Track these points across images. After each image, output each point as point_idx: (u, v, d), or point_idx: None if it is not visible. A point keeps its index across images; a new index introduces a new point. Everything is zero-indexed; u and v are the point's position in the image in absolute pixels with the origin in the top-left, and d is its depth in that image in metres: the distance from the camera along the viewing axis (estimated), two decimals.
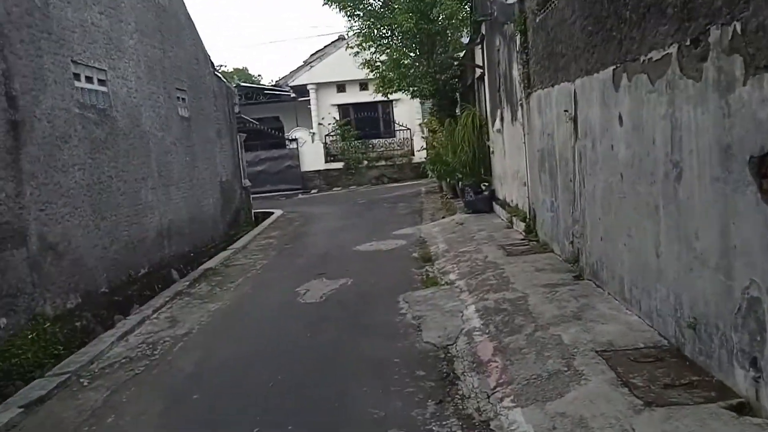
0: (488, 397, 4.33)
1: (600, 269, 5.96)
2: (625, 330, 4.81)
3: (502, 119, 11.08)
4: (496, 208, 12.02)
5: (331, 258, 10.35)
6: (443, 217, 13.27)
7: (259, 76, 48.76)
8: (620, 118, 4.99)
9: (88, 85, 8.62)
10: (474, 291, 6.85)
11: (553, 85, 7.17)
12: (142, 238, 9.93)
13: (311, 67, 26.28)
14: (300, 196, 24.56)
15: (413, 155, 25.53)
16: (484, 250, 8.70)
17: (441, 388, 4.66)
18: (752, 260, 3.29)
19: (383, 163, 25.69)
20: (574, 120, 6.35)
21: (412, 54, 16.39)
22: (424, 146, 21.46)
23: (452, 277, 7.76)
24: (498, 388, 4.38)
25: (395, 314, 6.59)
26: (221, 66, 43.12)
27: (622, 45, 4.81)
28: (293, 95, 26.71)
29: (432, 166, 18.17)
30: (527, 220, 9.23)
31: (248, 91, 27.09)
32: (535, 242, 8.63)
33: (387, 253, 10.35)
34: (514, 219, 10.06)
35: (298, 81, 26.42)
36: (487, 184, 12.75)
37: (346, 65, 25.10)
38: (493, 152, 12.55)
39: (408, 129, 26.02)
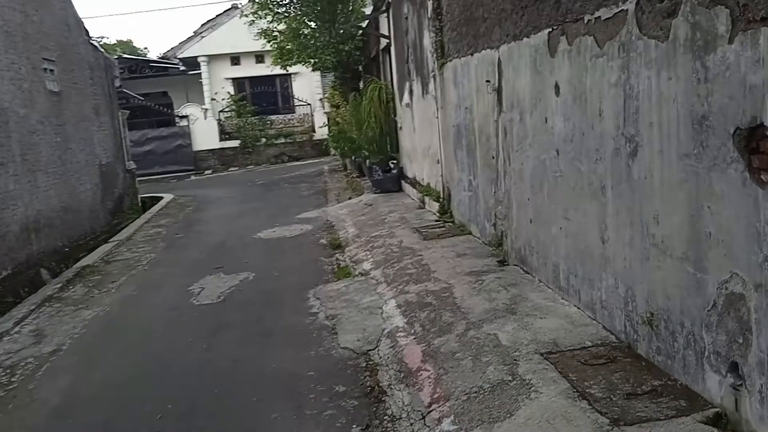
0: (423, 417, 3.68)
1: (529, 254, 5.47)
2: (567, 325, 4.32)
3: (411, 93, 10.44)
4: (406, 187, 11.44)
5: (229, 248, 9.33)
6: (350, 198, 12.53)
7: (145, 49, 45.34)
8: (557, 87, 4.43)
9: None
10: (392, 282, 6.19)
11: (471, 54, 6.57)
12: (2, 234, 8.43)
13: (202, 37, 24.39)
14: (193, 177, 22.93)
15: (314, 132, 24.53)
16: (398, 234, 8.06)
17: (366, 408, 3.95)
18: (734, 250, 2.80)
19: (283, 140, 24.49)
20: (498, 91, 5.77)
21: (312, 24, 15.34)
22: (326, 122, 20.55)
23: (366, 266, 7.06)
24: (434, 406, 3.74)
25: (305, 314, 5.79)
26: (102, 38, 39.42)
27: (560, 4, 4.22)
28: (182, 68, 24.78)
29: (335, 144, 17.38)
30: (441, 200, 8.69)
31: (131, 64, 24.84)
32: (451, 224, 8.10)
33: (292, 240, 9.48)
34: (426, 199, 9.50)
35: (188, 53, 24.47)
36: (395, 161, 12.13)
37: (241, 36, 23.53)
38: (401, 128, 11.92)
39: (308, 104, 24.93)
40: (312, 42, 15.26)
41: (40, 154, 10.06)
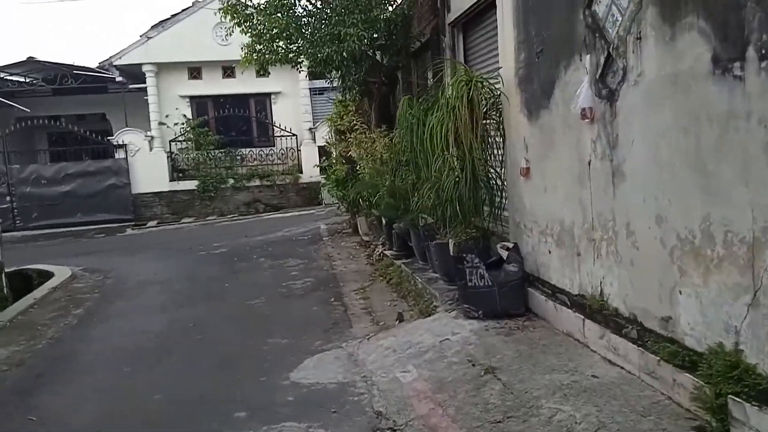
0: None
1: None
2: None
3: (600, 82, 3.93)
4: (562, 313, 4.81)
5: None
6: (399, 319, 5.87)
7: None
8: None
9: None
10: None
11: None
12: None
13: (148, 38, 17.80)
14: (129, 231, 16.17)
15: (301, 173, 18.03)
16: None
17: None
18: None
19: (257, 182, 17.88)
20: None
21: None
22: (324, 159, 14.06)
23: None
24: None
25: None
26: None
27: None
28: (119, 79, 18.08)
29: (341, 192, 10.98)
30: None
31: (49, 73, 18.04)
32: None
33: None
34: (698, 390, 2.86)
35: (126, 59, 17.79)
36: (508, 247, 5.50)
37: (204, 40, 17.17)
38: (526, 171, 5.34)
39: (294, 135, 18.39)
40: (312, 20, 8.77)
41: None
